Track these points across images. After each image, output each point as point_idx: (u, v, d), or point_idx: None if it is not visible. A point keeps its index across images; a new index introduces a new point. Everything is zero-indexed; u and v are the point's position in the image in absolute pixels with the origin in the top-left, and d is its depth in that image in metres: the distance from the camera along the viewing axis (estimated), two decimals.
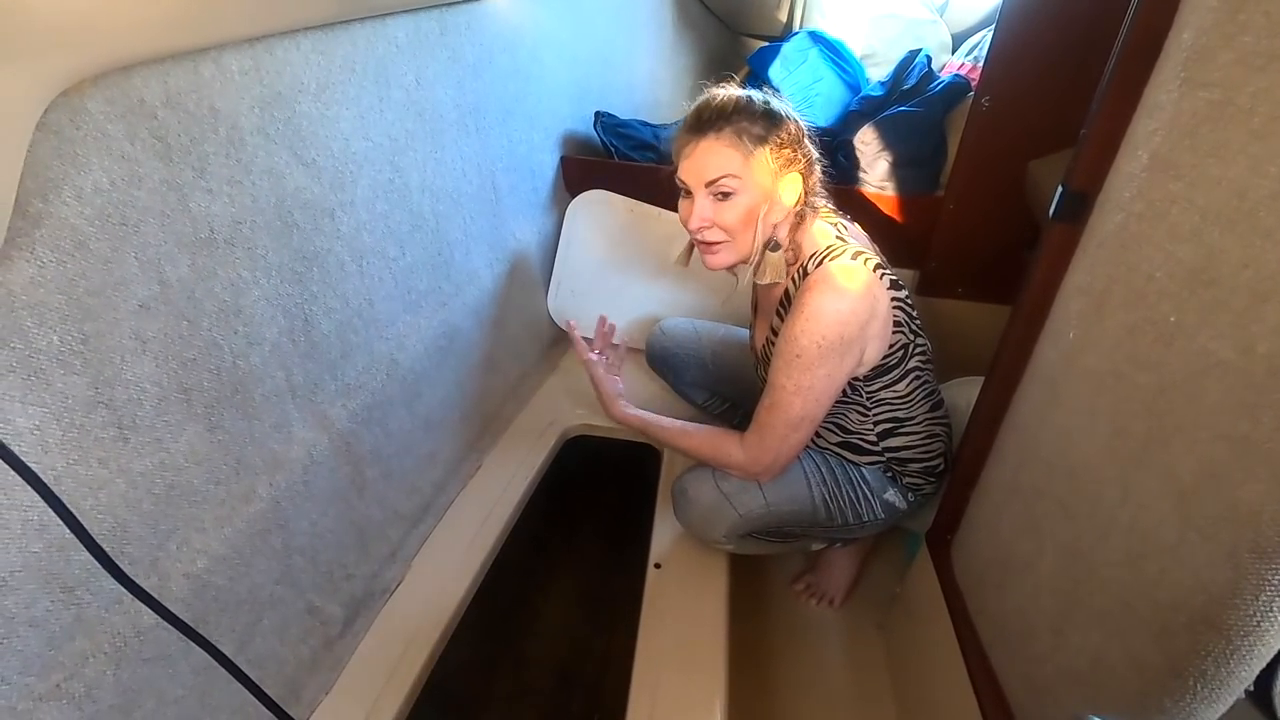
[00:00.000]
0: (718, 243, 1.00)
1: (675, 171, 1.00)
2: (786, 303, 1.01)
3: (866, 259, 0.96)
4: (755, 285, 1.19)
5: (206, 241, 0.73)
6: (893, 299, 0.99)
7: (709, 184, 0.96)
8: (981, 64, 1.41)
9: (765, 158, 0.95)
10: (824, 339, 0.93)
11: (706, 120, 0.95)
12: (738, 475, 1.08)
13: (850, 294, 0.93)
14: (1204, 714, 0.57)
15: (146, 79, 0.65)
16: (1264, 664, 0.54)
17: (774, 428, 1.00)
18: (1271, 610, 0.51)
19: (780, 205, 0.99)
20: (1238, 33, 0.55)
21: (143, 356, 0.67)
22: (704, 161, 0.95)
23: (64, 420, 0.60)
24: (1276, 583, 0.49)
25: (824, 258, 0.96)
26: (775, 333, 1.04)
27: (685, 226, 1.01)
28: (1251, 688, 0.56)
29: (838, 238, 0.99)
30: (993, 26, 1.36)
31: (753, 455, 1.03)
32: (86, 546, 0.49)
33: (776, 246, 1.01)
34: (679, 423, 1.13)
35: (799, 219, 1.01)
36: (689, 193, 0.99)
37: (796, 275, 0.99)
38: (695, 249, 1.06)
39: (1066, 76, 1.26)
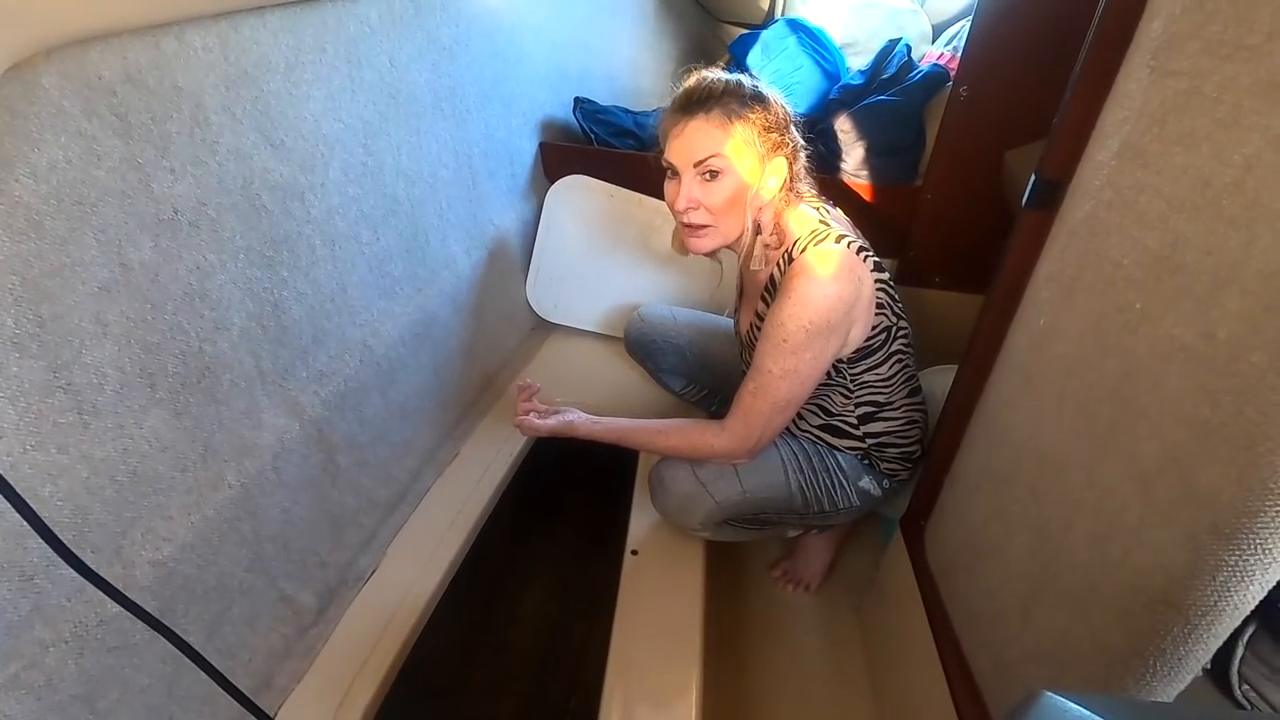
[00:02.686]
0: (703, 226, 1.00)
1: (661, 154, 1.00)
2: (772, 287, 1.01)
3: (850, 242, 0.97)
4: (742, 269, 1.19)
5: (170, 223, 0.71)
6: (876, 280, 1.00)
7: (697, 164, 0.96)
8: (960, 54, 1.41)
9: (753, 140, 0.95)
10: (811, 323, 0.93)
11: (696, 101, 0.95)
12: (719, 462, 1.07)
13: (836, 278, 0.93)
14: (1163, 691, 0.58)
15: (104, 54, 0.63)
16: (1220, 643, 0.55)
17: (759, 411, 1.00)
18: (1228, 590, 0.52)
19: (766, 189, 0.99)
20: (1205, 22, 0.56)
21: (103, 340, 0.65)
22: (693, 141, 0.95)
23: (19, 405, 0.58)
24: (1233, 563, 0.51)
25: (809, 242, 0.96)
26: (760, 317, 1.04)
27: (672, 208, 1.01)
28: (1209, 666, 0.57)
29: (821, 221, 1.00)
30: (971, 16, 1.37)
31: (737, 441, 1.02)
32: (40, 534, 0.48)
33: (760, 231, 1.01)
34: (649, 423, 1.12)
35: (783, 204, 1.01)
36: (676, 174, 0.99)
37: (782, 260, 1.00)
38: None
39: (1043, 66, 1.26)
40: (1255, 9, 0.51)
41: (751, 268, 1.04)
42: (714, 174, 0.96)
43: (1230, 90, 0.53)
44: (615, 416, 1.15)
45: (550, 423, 1.14)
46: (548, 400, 1.50)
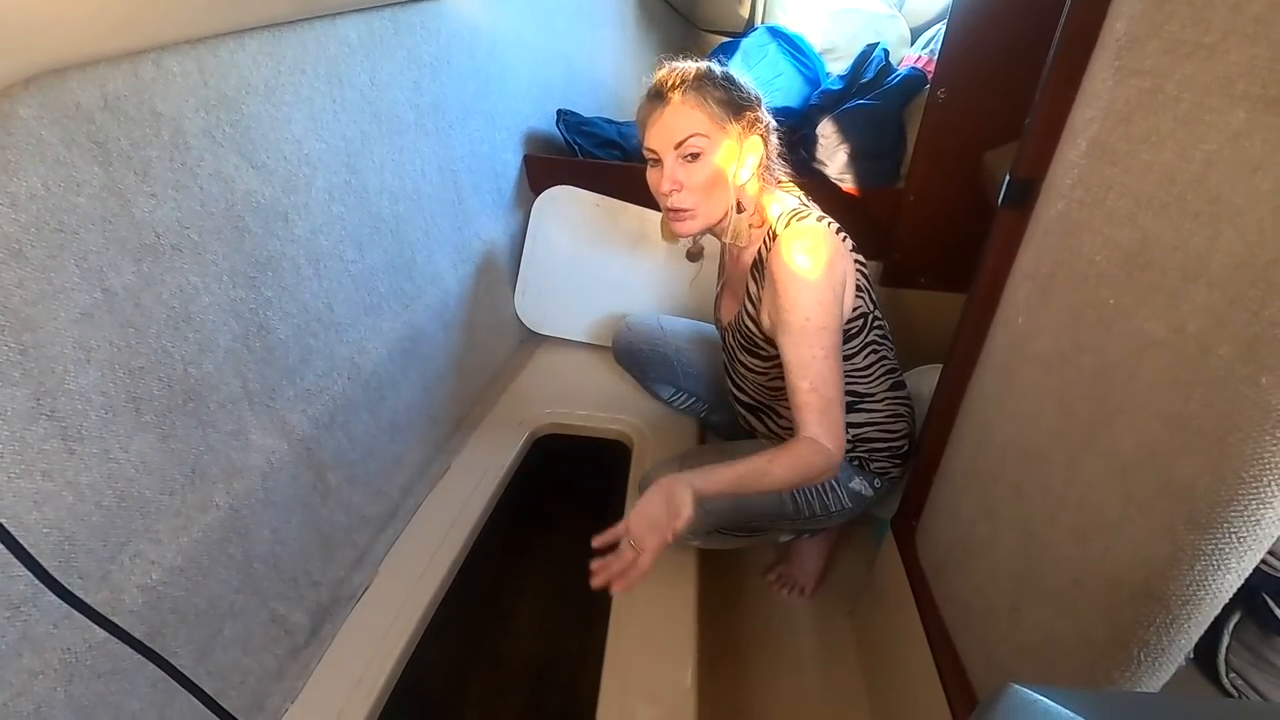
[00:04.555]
0: (688, 209, 1.00)
1: (642, 143, 1.02)
2: (759, 267, 1.02)
3: (829, 223, 1.00)
4: (722, 257, 1.20)
5: (152, 247, 0.72)
6: (855, 263, 1.02)
7: (678, 145, 0.97)
8: (937, 56, 1.43)
9: (728, 119, 0.97)
10: (820, 294, 0.93)
11: (671, 86, 0.97)
12: (825, 477, 0.96)
13: (823, 249, 0.95)
14: (1148, 682, 0.59)
15: (82, 82, 0.63)
16: (1201, 632, 0.56)
17: (830, 400, 0.94)
18: (1206, 579, 0.52)
19: (745, 166, 1.01)
20: (1164, 22, 0.57)
21: (87, 366, 0.66)
22: (671, 124, 0.97)
23: (3, 433, 0.58)
24: (1210, 553, 0.51)
25: (791, 218, 0.98)
26: (751, 299, 1.05)
27: (657, 193, 1.02)
28: (1192, 655, 0.58)
29: (801, 203, 1.03)
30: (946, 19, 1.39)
31: (835, 441, 0.93)
32: (24, 562, 0.48)
33: (741, 210, 1.03)
34: (742, 465, 0.92)
35: (762, 185, 1.03)
36: (658, 161, 1.00)
37: (766, 238, 1.01)
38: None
39: (1018, 67, 1.26)
40: (1210, 8, 0.52)
41: (739, 244, 1.05)
42: (695, 155, 0.97)
43: (1190, 88, 0.54)
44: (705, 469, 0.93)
45: (685, 513, 0.86)
46: (540, 409, 1.50)
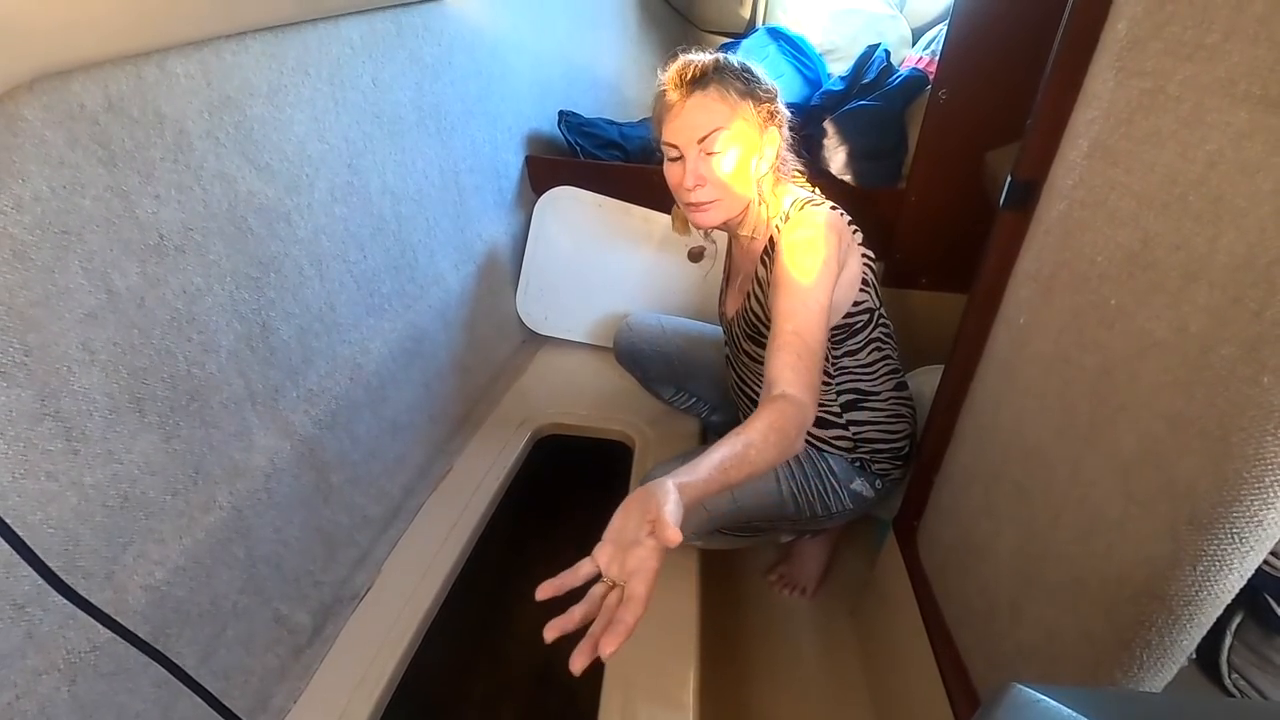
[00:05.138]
0: (709, 202, 0.99)
1: (659, 138, 1.01)
2: (769, 253, 1.02)
3: (841, 213, 1.00)
4: (730, 250, 1.20)
5: (155, 248, 0.72)
6: (862, 256, 1.02)
7: (701, 140, 0.96)
8: (938, 57, 1.43)
9: (749, 111, 0.97)
10: (826, 262, 0.93)
11: (691, 80, 0.96)
12: (803, 429, 0.82)
13: (829, 225, 0.95)
14: (1150, 681, 0.59)
15: (86, 84, 0.63)
16: (1204, 632, 0.56)
17: (810, 348, 0.87)
18: (1209, 580, 0.52)
19: (765, 159, 1.00)
20: (1166, 22, 0.57)
21: (91, 367, 0.66)
22: (693, 118, 0.96)
23: (8, 434, 0.58)
24: (1212, 553, 0.51)
25: (805, 204, 0.99)
26: (760, 284, 1.04)
27: (677, 189, 1.01)
28: (1194, 655, 0.58)
29: (813, 194, 1.03)
30: (948, 20, 1.39)
31: (807, 392, 0.83)
32: (29, 562, 0.48)
33: (761, 202, 1.02)
34: (731, 449, 0.75)
35: (777, 176, 1.03)
36: (678, 155, 0.99)
37: (779, 224, 1.01)
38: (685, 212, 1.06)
39: (1019, 68, 1.26)
40: (1212, 9, 0.52)
41: (752, 236, 1.04)
42: (718, 149, 0.96)
43: (1192, 89, 0.54)
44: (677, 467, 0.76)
45: (669, 513, 0.66)
46: (542, 409, 1.50)
